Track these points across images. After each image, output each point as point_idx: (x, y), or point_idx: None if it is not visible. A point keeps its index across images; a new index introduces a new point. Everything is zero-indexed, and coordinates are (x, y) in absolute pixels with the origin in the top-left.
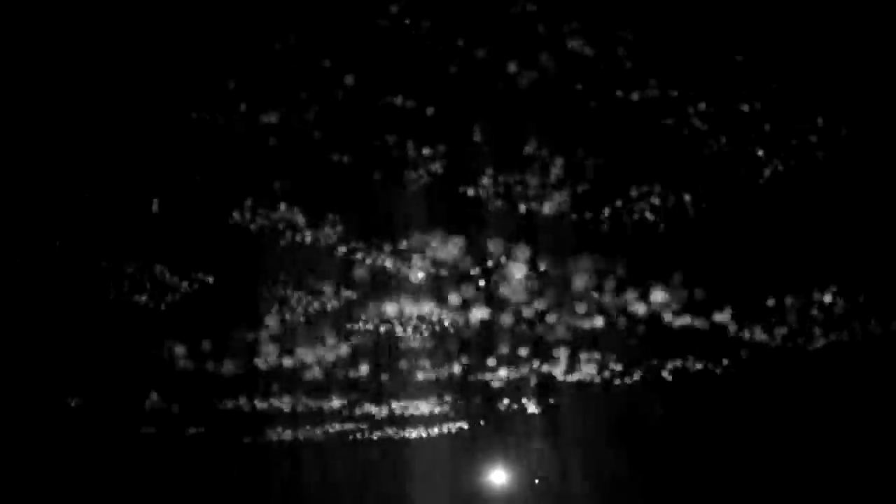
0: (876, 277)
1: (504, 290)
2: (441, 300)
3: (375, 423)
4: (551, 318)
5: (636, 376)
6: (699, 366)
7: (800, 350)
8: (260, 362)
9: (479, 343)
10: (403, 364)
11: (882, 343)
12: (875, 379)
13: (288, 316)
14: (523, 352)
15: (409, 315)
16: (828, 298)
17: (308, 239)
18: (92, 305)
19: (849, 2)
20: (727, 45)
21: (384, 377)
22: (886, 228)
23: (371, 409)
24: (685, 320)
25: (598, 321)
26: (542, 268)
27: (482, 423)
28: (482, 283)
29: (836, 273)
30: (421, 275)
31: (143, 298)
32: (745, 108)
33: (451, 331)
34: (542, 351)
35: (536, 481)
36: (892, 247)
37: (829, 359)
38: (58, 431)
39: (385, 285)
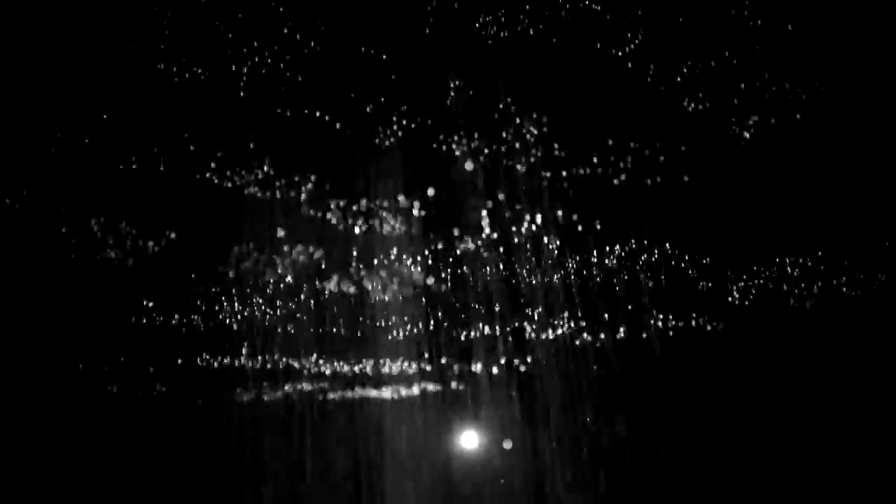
0: (852, 241)
1: (476, 247)
2: (413, 257)
3: (344, 383)
4: (525, 275)
5: (613, 336)
6: (677, 325)
7: (777, 309)
8: (226, 319)
9: (452, 301)
10: (374, 322)
11: (858, 304)
12: (851, 339)
13: (256, 273)
14: (496, 309)
15: (379, 272)
16: (802, 259)
17: (279, 196)
18: (56, 262)
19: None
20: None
21: (354, 335)
22: (861, 192)
23: (340, 367)
24: (661, 278)
25: (573, 279)
26: (516, 226)
27: (454, 383)
28: (454, 240)
29: (811, 234)
30: (392, 232)
31: (109, 255)
32: (725, 66)
33: (423, 288)
34: (516, 309)
35: (507, 446)
36: (866, 214)
37: (807, 318)
38: (20, 392)
39: (356, 243)
